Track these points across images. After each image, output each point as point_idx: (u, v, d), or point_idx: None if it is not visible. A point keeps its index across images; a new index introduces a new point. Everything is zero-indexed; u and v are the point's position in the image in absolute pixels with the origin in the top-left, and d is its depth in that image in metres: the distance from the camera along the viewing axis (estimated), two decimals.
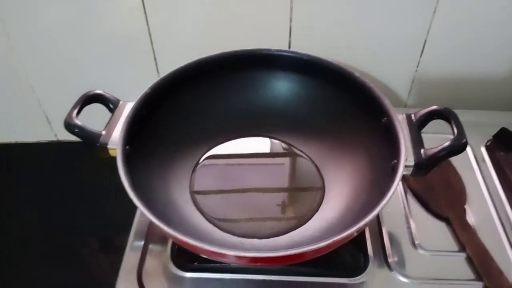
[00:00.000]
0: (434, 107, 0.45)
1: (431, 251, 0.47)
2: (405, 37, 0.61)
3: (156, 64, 0.65)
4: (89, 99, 0.47)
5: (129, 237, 0.49)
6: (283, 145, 0.55)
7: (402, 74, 0.66)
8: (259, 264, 0.43)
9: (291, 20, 0.60)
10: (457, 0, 0.56)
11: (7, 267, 0.59)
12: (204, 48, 0.54)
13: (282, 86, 0.55)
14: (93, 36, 0.61)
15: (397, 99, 0.69)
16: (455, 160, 0.53)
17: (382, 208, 0.38)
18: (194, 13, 0.59)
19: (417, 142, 0.44)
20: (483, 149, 0.57)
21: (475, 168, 0.55)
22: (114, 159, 0.42)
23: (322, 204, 0.48)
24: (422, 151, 0.43)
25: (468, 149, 0.56)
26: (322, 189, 0.50)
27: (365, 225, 0.39)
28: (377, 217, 0.50)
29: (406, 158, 0.41)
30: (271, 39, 0.62)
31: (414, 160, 0.42)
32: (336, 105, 0.52)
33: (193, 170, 0.52)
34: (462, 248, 0.46)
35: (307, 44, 0.62)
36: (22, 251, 0.61)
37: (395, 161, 0.41)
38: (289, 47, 0.63)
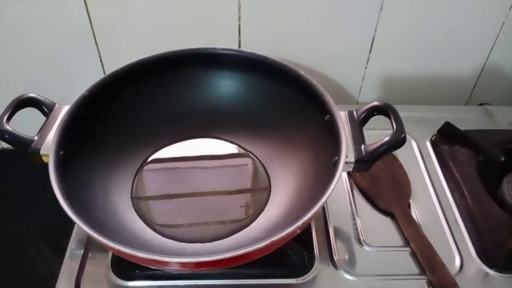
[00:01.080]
0: (375, 103, 0.45)
1: (377, 247, 0.47)
2: (353, 35, 0.62)
3: (103, 66, 0.63)
4: (22, 103, 0.45)
5: (69, 245, 0.47)
6: (229, 145, 0.54)
7: (352, 72, 0.67)
8: (202, 268, 0.42)
9: (239, 18, 0.59)
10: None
11: None
12: (152, 47, 0.52)
13: (228, 85, 0.54)
14: (36, 37, 0.59)
15: (349, 97, 0.69)
16: (400, 155, 0.54)
17: (323, 204, 0.38)
18: (141, 12, 0.58)
19: (358, 139, 0.44)
20: (428, 144, 0.58)
21: (420, 162, 0.55)
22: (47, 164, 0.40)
23: (268, 204, 0.48)
24: (362, 147, 0.43)
25: (413, 143, 0.57)
26: (269, 189, 0.49)
27: (307, 222, 0.38)
28: (324, 214, 0.49)
29: (347, 155, 0.41)
30: (221, 38, 0.61)
31: (355, 156, 0.42)
32: (282, 103, 0.52)
33: (136, 174, 0.50)
34: (407, 243, 0.47)
35: (257, 43, 0.61)
36: None
37: (336, 158, 0.41)
38: (239, 46, 0.62)
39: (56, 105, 0.46)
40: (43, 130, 0.44)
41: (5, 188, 0.66)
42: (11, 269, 0.56)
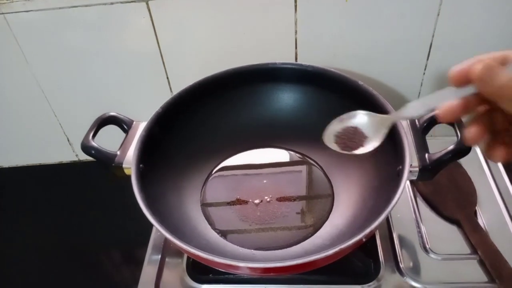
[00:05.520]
0: (437, 111, 0.45)
1: (443, 255, 0.47)
2: (410, 42, 0.62)
3: (169, 83, 0.67)
4: (104, 121, 0.49)
5: (147, 251, 0.51)
6: (292, 154, 0.56)
7: (410, 78, 0.66)
8: (271, 274, 0.44)
9: (296, 32, 0.61)
10: (459, 3, 0.57)
11: (30, 279, 0.62)
12: (213, 64, 0.56)
13: (288, 98, 0.57)
14: (109, 60, 0.64)
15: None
16: (464, 161, 0.53)
17: (388, 214, 0.39)
18: (201, 32, 0.61)
19: (421, 147, 0.44)
20: None
21: (485, 169, 0.54)
22: (128, 176, 0.44)
23: (332, 212, 0.49)
24: (426, 155, 0.43)
25: (478, 150, 0.56)
26: (332, 197, 0.51)
27: (372, 232, 0.39)
28: (387, 222, 0.50)
29: (411, 164, 0.42)
30: (278, 52, 0.63)
31: (419, 165, 0.43)
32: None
33: (204, 183, 0.54)
34: (474, 251, 0.46)
35: (314, 55, 0.63)
36: (45, 265, 0.63)
37: (400, 166, 0.42)
38: (296, 59, 0.64)
39: (134, 122, 0.50)
40: (124, 146, 0.48)
41: (82, 199, 0.72)
42: (94, 275, 0.61)
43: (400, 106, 0.46)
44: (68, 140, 0.75)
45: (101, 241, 0.65)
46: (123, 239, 0.64)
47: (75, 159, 0.78)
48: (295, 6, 0.58)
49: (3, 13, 0.58)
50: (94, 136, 0.48)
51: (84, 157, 0.78)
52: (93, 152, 0.47)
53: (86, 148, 0.47)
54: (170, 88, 0.68)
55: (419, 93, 0.68)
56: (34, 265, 0.64)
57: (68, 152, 0.77)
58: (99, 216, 0.68)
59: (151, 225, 0.53)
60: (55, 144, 0.75)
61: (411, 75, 0.66)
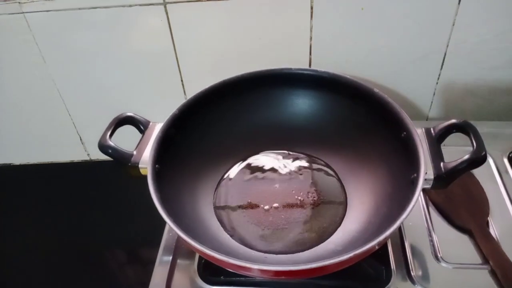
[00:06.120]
0: (453, 120, 0.46)
1: (454, 264, 0.47)
2: (424, 51, 0.62)
3: (183, 85, 0.68)
4: (122, 121, 0.50)
5: (158, 252, 0.51)
6: (306, 159, 0.57)
7: (423, 87, 0.67)
8: (282, 277, 0.44)
9: (311, 38, 0.62)
10: (475, 13, 0.57)
11: (40, 278, 0.62)
12: (228, 67, 0.56)
13: (303, 103, 0.57)
14: (124, 61, 0.65)
15: (419, 112, 0.70)
16: (477, 171, 0.53)
17: (402, 222, 0.39)
18: (217, 35, 0.62)
19: (437, 156, 0.44)
20: (505, 160, 0.57)
21: (497, 179, 0.54)
22: (144, 176, 0.45)
23: (345, 218, 0.49)
24: (441, 164, 0.44)
25: (491, 160, 0.56)
26: (345, 203, 0.51)
27: (386, 239, 0.39)
28: (399, 230, 0.50)
29: (426, 172, 0.42)
30: (292, 57, 0.64)
31: (434, 174, 0.43)
32: (356, 120, 0.53)
33: (218, 186, 0.54)
34: (485, 261, 0.46)
35: (327, 61, 0.64)
36: (54, 264, 0.64)
37: (415, 174, 0.42)
38: (310, 64, 0.65)
39: (151, 123, 0.51)
40: (140, 146, 0.49)
41: (92, 198, 0.72)
42: (105, 275, 0.61)
43: (411, 114, 0.47)
44: (81, 139, 0.75)
45: (112, 240, 0.65)
46: (132, 239, 0.65)
47: (87, 158, 0.79)
48: (311, 12, 0.59)
49: (23, 13, 0.58)
50: (111, 135, 0.48)
51: (95, 156, 0.79)
52: (110, 151, 0.47)
53: (103, 147, 0.47)
54: (184, 90, 0.68)
55: (431, 102, 0.68)
56: (40, 262, 0.64)
57: (80, 151, 0.77)
58: (109, 215, 0.69)
59: (162, 225, 0.54)
60: (67, 143, 0.76)
61: (424, 84, 0.66)
